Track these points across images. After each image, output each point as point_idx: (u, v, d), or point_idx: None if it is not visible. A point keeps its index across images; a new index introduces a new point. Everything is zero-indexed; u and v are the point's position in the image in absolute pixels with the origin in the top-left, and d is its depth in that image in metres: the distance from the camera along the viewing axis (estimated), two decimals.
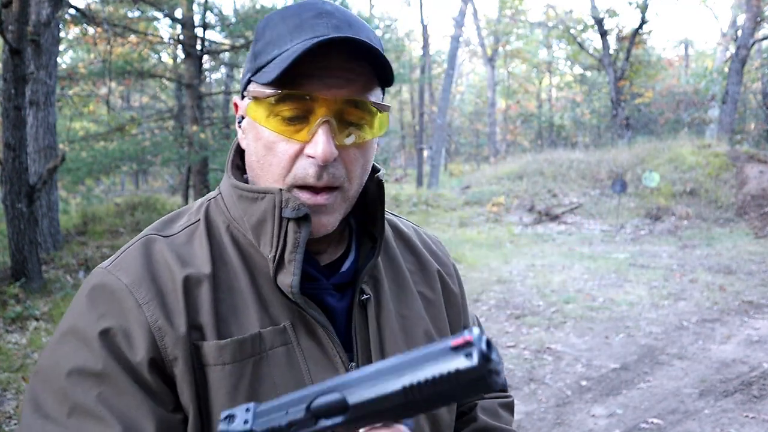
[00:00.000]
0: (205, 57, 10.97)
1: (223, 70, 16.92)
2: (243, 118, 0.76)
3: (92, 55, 12.73)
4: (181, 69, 10.94)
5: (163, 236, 0.77)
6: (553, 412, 3.61)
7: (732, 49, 19.08)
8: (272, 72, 0.68)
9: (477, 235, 10.47)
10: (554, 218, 12.11)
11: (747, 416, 3.47)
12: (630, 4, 19.20)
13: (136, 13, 10.50)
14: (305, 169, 0.70)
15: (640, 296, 6.31)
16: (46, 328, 5.06)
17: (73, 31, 11.39)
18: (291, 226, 0.71)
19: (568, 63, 27.32)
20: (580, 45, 21.77)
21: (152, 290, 0.71)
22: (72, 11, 8.80)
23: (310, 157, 0.70)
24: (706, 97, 21.79)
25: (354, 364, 0.77)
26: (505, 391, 1.05)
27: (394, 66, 13.77)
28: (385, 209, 0.84)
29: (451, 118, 27.96)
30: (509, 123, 28.39)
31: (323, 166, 0.70)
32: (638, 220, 11.88)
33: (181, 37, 10.12)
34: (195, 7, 9.63)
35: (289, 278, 0.71)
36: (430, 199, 13.84)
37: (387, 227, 0.89)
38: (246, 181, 0.79)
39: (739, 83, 17.57)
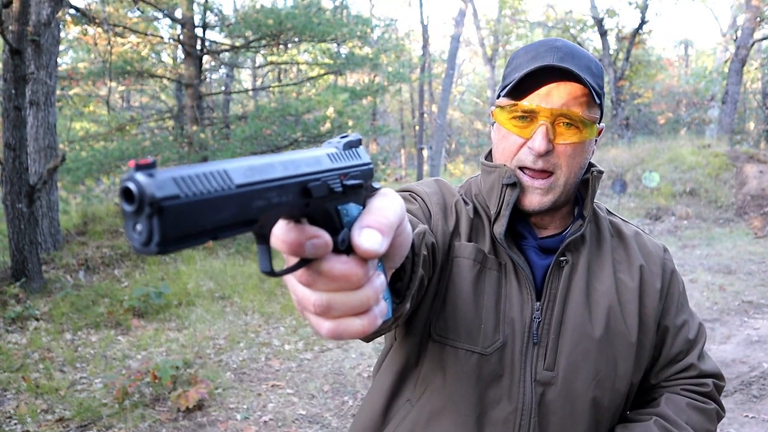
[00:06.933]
0: (205, 57, 10.95)
1: (223, 70, 16.90)
2: (494, 122, 1.07)
3: (92, 55, 12.72)
4: (181, 69, 10.91)
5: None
6: None
7: (732, 49, 19.09)
8: (508, 87, 0.99)
9: None
10: None
11: (747, 416, 3.47)
12: (630, 4, 19.17)
13: (136, 13, 10.49)
14: (526, 156, 1.00)
15: None
16: (46, 328, 5.06)
17: (73, 31, 11.37)
18: (507, 191, 1.01)
19: None
20: (580, 45, 21.72)
21: (440, 203, 1.09)
22: (72, 11, 8.80)
23: (530, 148, 0.98)
24: (706, 97, 21.78)
25: (539, 304, 1.03)
26: (712, 398, 1.11)
27: (395, 66, 13.78)
28: (615, 214, 1.18)
29: (451, 118, 27.93)
30: None
31: (539, 156, 0.98)
32: (638, 220, 11.88)
33: (181, 37, 10.08)
34: (195, 7, 9.60)
35: (499, 228, 1.02)
36: None
37: (607, 225, 1.14)
38: None
39: (738, 83, 17.57)
